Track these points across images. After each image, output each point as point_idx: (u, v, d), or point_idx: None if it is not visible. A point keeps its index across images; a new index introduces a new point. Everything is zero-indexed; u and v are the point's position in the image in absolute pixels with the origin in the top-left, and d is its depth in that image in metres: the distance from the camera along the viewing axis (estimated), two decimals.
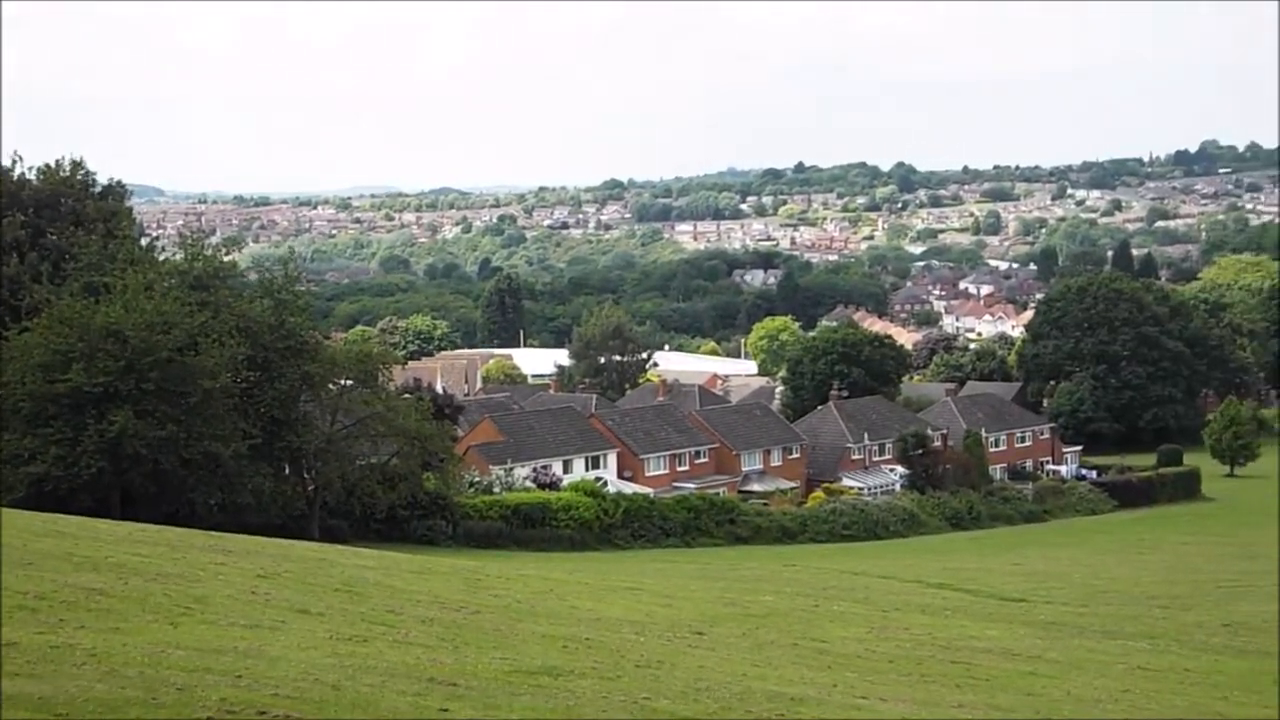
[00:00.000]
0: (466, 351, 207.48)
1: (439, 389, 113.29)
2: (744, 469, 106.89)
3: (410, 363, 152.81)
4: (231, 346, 64.30)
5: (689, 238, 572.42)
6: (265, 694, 13.60)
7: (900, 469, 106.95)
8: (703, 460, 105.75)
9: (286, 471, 72.51)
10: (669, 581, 42.60)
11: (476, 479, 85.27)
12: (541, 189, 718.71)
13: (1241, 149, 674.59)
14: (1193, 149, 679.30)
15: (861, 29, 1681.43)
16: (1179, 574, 60.36)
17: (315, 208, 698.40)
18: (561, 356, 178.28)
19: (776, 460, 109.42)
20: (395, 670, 16.10)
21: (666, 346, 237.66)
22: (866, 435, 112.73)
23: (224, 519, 60.72)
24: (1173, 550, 76.42)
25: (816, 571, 54.34)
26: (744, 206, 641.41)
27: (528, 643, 20.56)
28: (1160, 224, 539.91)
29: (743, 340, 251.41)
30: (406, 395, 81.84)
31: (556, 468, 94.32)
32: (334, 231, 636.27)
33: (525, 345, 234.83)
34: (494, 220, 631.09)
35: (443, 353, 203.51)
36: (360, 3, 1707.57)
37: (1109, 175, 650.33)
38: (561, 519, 79.12)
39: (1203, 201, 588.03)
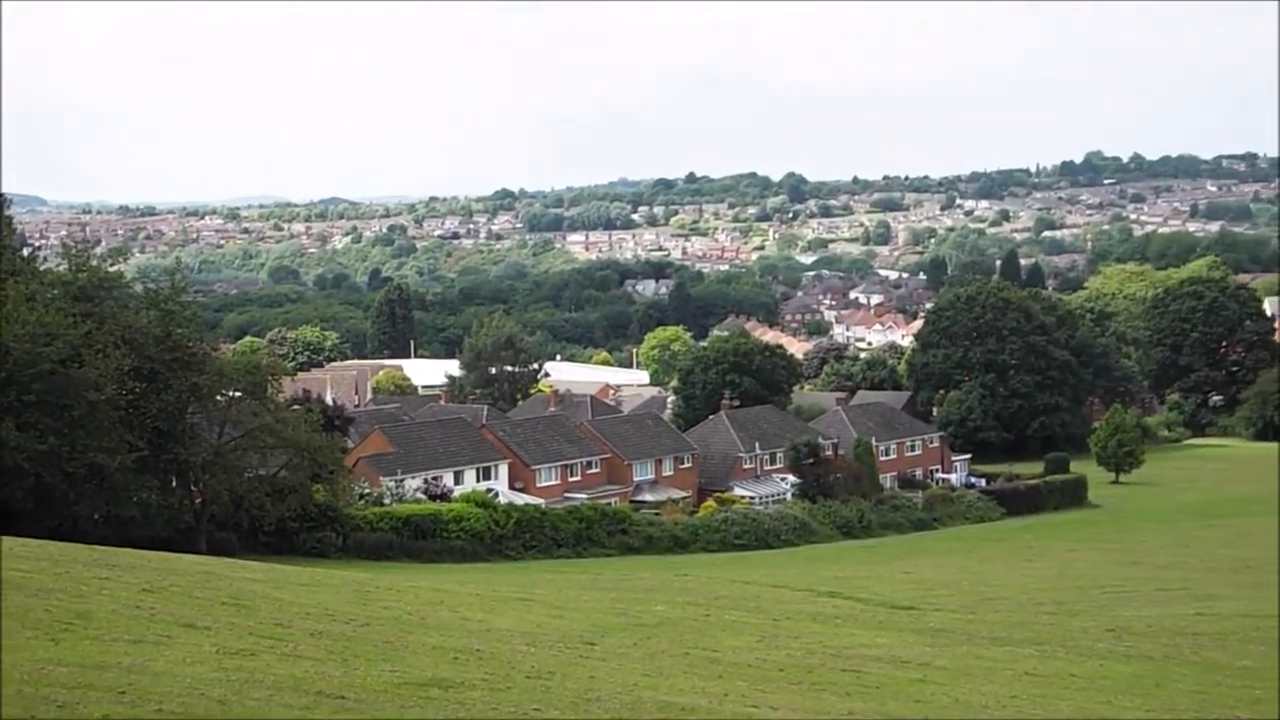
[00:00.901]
0: (356, 362, 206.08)
1: (329, 400, 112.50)
2: (636, 479, 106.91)
3: (299, 374, 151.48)
4: (117, 358, 63.50)
5: (580, 248, 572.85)
6: (149, 710, 13.41)
7: (791, 478, 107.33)
8: (594, 470, 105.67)
9: (173, 484, 71.82)
10: (560, 592, 42.52)
11: (367, 491, 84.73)
12: (432, 199, 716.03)
13: (1125, 160, 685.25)
14: (1078, 160, 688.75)
15: (751, 39, 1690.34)
16: (1065, 580, 61.09)
17: (202, 218, 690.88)
18: (452, 367, 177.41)
19: (668, 470, 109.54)
20: (283, 684, 15.93)
21: (558, 357, 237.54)
22: (758, 444, 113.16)
23: (109, 533, 59.93)
24: (1059, 557, 77.27)
25: (708, 581, 54.41)
26: (635, 216, 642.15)
27: (418, 654, 20.44)
28: (1047, 234, 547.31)
29: (634, 350, 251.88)
30: (296, 407, 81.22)
31: (447, 479, 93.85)
32: (222, 242, 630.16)
33: (416, 356, 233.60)
34: (384, 230, 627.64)
35: (332, 364, 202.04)
36: (244, 3, 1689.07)
37: (997, 186, 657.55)
38: (453, 530, 78.85)
39: (1088, 212, 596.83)
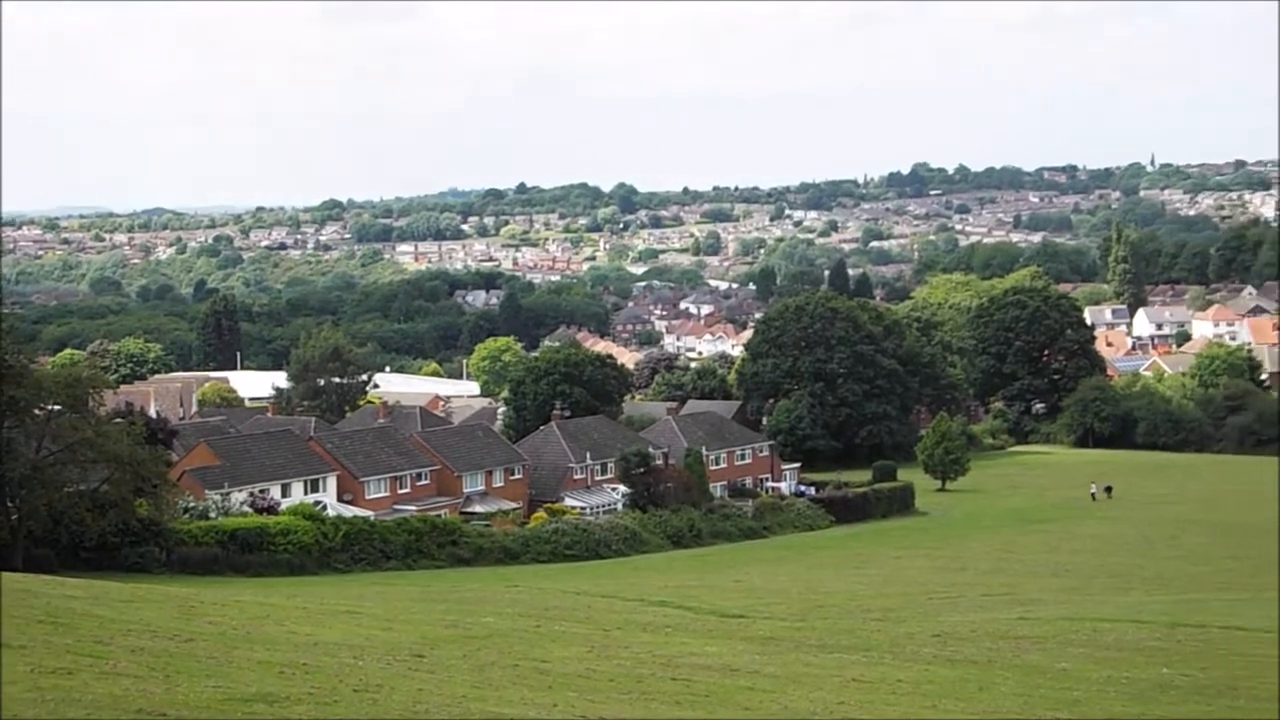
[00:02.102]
0: (181, 374, 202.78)
1: (152, 413, 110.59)
2: (466, 490, 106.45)
3: (122, 386, 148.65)
4: None
5: (410, 258, 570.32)
6: None
7: (622, 488, 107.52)
8: (424, 482, 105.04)
9: None
10: (389, 604, 42.22)
11: (191, 504, 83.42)
12: (259, 210, 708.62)
13: (951, 171, 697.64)
14: (905, 171, 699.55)
15: (582, 47, 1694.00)
16: (893, 587, 61.97)
17: (20, 228, 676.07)
18: (280, 379, 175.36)
19: (499, 481, 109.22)
20: (101, 702, 15.59)
21: (387, 368, 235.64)
22: (589, 455, 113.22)
23: None
24: (887, 564, 78.35)
25: (538, 592, 54.36)
26: (465, 227, 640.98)
27: (243, 670, 20.13)
28: (875, 244, 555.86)
29: (465, 361, 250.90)
30: (118, 420, 79.80)
31: (275, 492, 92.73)
32: (40, 252, 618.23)
33: (242, 368, 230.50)
34: (209, 241, 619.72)
35: (156, 376, 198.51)
36: (52, 4, 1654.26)
37: (826, 196, 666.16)
38: (280, 543, 77.93)
39: (915, 222, 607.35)
